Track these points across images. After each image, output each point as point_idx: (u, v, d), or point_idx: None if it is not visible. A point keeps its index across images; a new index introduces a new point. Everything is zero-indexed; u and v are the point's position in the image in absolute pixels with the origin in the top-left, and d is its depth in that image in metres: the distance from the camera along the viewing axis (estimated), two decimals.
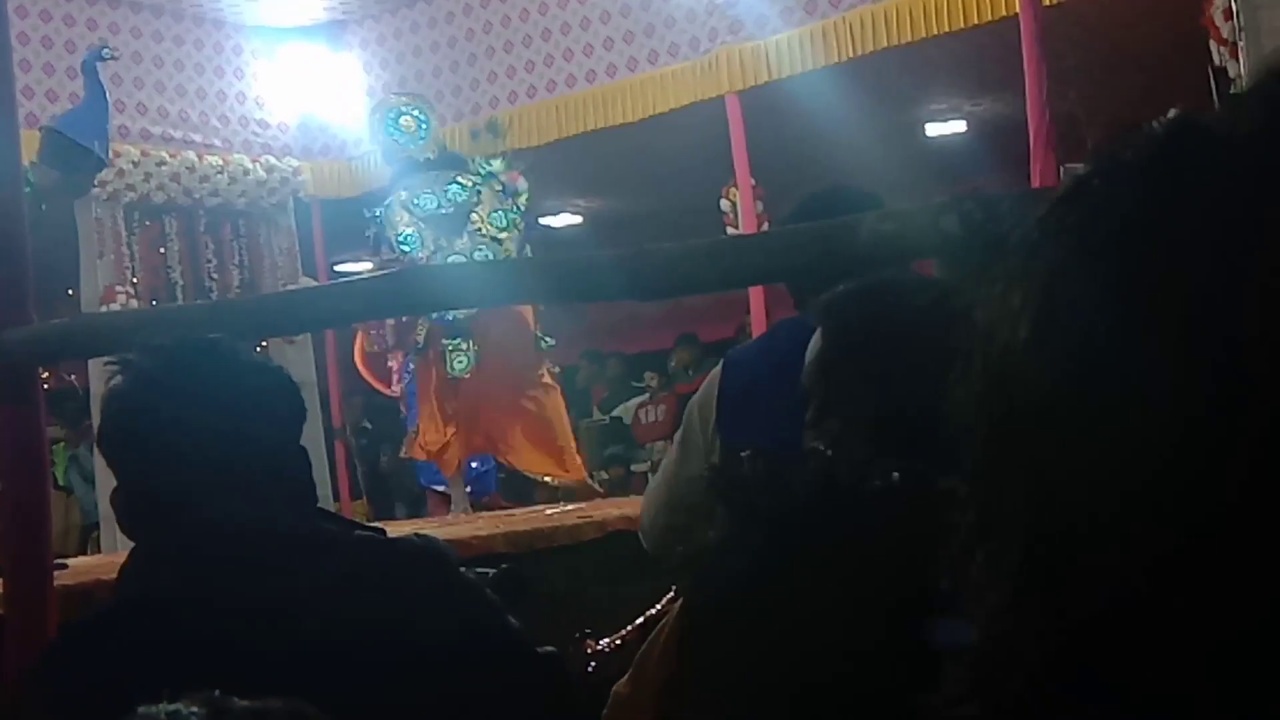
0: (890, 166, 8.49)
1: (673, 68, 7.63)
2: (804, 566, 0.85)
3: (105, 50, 5.76)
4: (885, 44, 6.88)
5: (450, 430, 6.66)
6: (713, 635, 0.90)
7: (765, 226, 7.21)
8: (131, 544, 1.72)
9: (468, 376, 6.61)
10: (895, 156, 8.70)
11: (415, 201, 6.63)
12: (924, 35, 6.76)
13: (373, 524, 1.81)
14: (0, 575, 2.46)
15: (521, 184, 6.82)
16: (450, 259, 6.44)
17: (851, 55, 6.99)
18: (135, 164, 7.97)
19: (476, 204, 6.67)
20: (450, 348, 6.59)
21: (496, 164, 6.84)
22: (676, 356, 10.25)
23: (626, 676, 1.61)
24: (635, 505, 4.91)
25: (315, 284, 8.70)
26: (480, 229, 6.60)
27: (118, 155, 7.84)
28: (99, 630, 1.70)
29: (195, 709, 0.66)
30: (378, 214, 6.75)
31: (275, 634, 1.56)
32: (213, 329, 2.01)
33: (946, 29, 6.69)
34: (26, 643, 2.28)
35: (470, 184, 6.71)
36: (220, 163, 8.41)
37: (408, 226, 6.59)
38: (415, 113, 6.96)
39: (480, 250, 6.54)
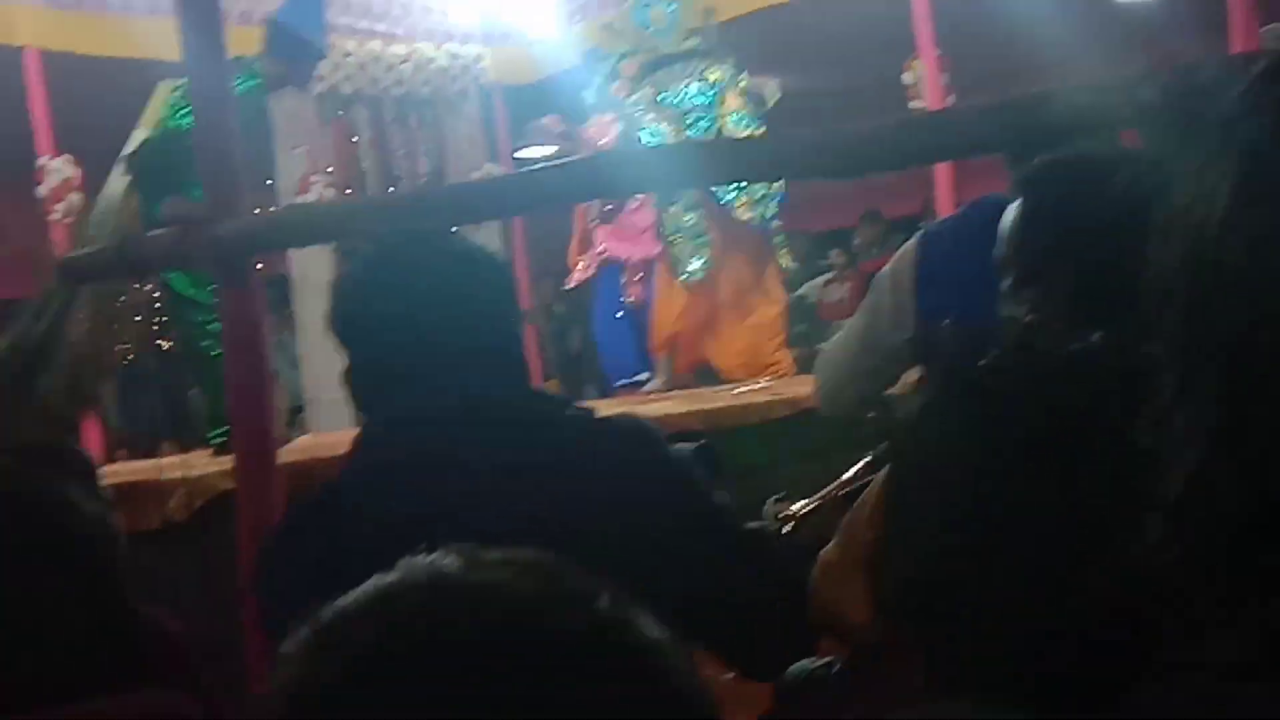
0: (1080, 32, 8.21)
1: None
2: (1007, 430, 0.88)
3: None
4: None
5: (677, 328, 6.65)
6: (919, 498, 0.94)
7: (950, 99, 7.08)
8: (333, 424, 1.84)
9: (701, 278, 6.60)
10: (1085, 21, 8.41)
11: (662, 97, 6.57)
12: None
13: (584, 404, 1.91)
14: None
15: (770, 88, 6.70)
16: None
17: None
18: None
19: (720, 102, 6.56)
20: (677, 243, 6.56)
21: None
22: (861, 233, 10.16)
23: (833, 542, 1.67)
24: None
25: (500, 171, 8.86)
26: (721, 130, 6.50)
27: None
28: (329, 501, 1.83)
29: (451, 558, 0.74)
30: (622, 107, 6.64)
31: (494, 503, 1.66)
32: (411, 218, 2.12)
33: None
34: (258, 516, 2.44)
35: (718, 79, 6.60)
36: (404, 51, 8.55)
37: (654, 123, 6.52)
38: (663, 3, 6.79)
39: None
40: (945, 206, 6.79)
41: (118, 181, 5.36)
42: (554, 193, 2.33)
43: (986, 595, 0.87)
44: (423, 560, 0.75)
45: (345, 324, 1.84)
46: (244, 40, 7.70)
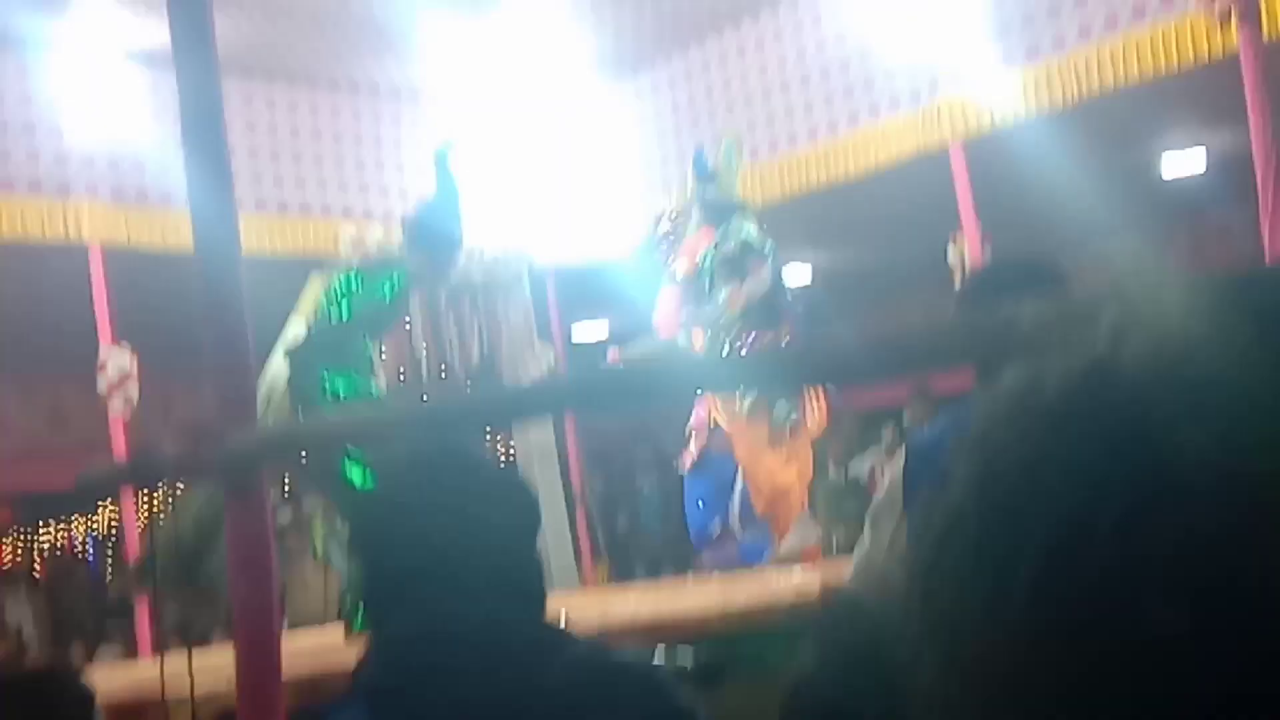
0: (1123, 207, 8.24)
1: (894, 119, 7.60)
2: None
3: (451, 144, 6.24)
4: (1111, 84, 6.71)
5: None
6: None
7: None
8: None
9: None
10: (1128, 196, 8.45)
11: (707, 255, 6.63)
12: (1151, 74, 6.57)
13: (596, 641, 1.86)
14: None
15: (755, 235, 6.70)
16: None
17: (1076, 97, 6.83)
18: (380, 243, 8.34)
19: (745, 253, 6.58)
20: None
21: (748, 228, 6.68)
22: (911, 411, 10.10)
23: None
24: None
25: (549, 350, 8.94)
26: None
27: (363, 235, 8.25)
28: None
29: None
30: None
31: None
32: (433, 428, 2.11)
33: (1175, 66, 6.49)
34: None
35: (747, 237, 6.61)
36: None
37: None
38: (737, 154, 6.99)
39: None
40: None
41: (279, 368, 5.56)
42: (586, 401, 2.33)
43: None
44: None
45: (360, 535, 1.84)
46: (296, 230, 7.97)
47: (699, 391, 5.73)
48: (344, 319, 5.56)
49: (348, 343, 5.62)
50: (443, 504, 1.78)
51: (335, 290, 5.60)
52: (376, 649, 1.81)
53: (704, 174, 6.85)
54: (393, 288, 5.69)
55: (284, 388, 5.48)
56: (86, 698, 2.27)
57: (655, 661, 3.54)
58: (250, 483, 2.60)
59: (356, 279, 5.65)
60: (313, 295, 5.71)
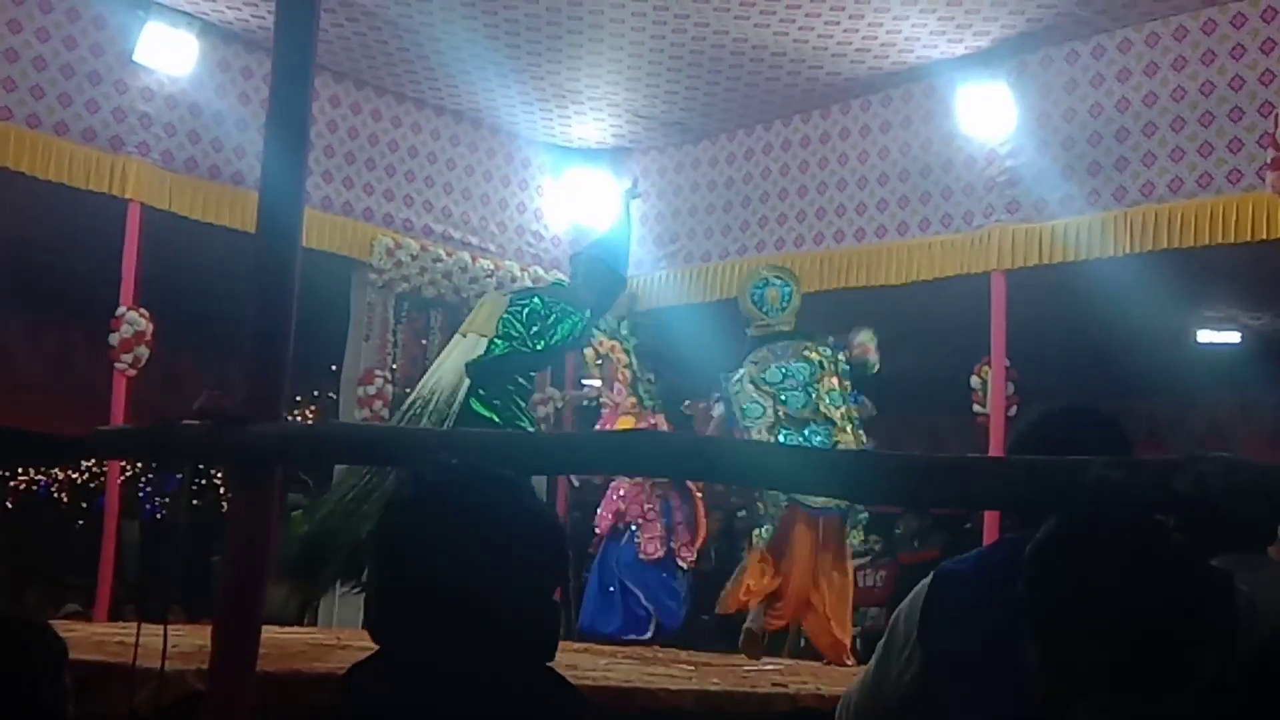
0: (1154, 366, 8.24)
1: (943, 238, 7.61)
2: None
3: (636, 189, 6.65)
4: (1167, 245, 6.72)
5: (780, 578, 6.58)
6: None
7: (1013, 411, 7.08)
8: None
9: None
10: (1161, 357, 8.45)
11: (763, 375, 6.69)
12: (1208, 242, 6.59)
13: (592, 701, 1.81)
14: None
15: (872, 357, 6.77)
16: (784, 435, 6.50)
17: (1129, 251, 6.85)
18: (414, 257, 8.36)
19: (817, 380, 6.67)
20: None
21: (863, 335, 6.79)
22: (904, 523, 10.07)
23: None
24: (833, 679, 4.83)
25: (563, 397, 8.91)
26: (819, 406, 6.60)
27: (398, 247, 8.28)
28: None
29: None
30: (725, 384, 6.77)
31: None
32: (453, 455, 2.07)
33: (1233, 239, 6.51)
34: None
35: (816, 359, 6.72)
36: (492, 266, 8.74)
37: (753, 399, 6.63)
38: (780, 285, 6.98)
39: (814, 427, 6.56)
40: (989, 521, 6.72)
41: (450, 376, 5.66)
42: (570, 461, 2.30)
43: None
44: None
45: (382, 547, 1.78)
46: (333, 228, 7.97)
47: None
48: (538, 347, 5.72)
49: (531, 369, 5.94)
50: (474, 524, 1.71)
51: (529, 317, 5.74)
52: (380, 666, 1.75)
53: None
54: (582, 327, 5.90)
55: (449, 395, 5.58)
56: (58, 652, 2.20)
57: None
58: (263, 473, 2.57)
59: (547, 310, 5.78)
60: (489, 314, 5.84)
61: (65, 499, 13.69)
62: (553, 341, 5.73)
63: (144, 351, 7.13)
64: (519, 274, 8.84)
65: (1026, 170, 7.28)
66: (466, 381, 5.57)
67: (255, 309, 2.65)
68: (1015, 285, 7.27)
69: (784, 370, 6.68)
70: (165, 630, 2.59)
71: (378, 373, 8.23)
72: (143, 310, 7.14)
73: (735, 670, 5.36)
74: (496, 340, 5.67)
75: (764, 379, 6.67)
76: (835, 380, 6.68)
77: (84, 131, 7.05)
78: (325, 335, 7.81)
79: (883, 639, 2.42)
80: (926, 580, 2.32)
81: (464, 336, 5.81)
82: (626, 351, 7.60)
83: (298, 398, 11.65)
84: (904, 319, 8.56)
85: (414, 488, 1.79)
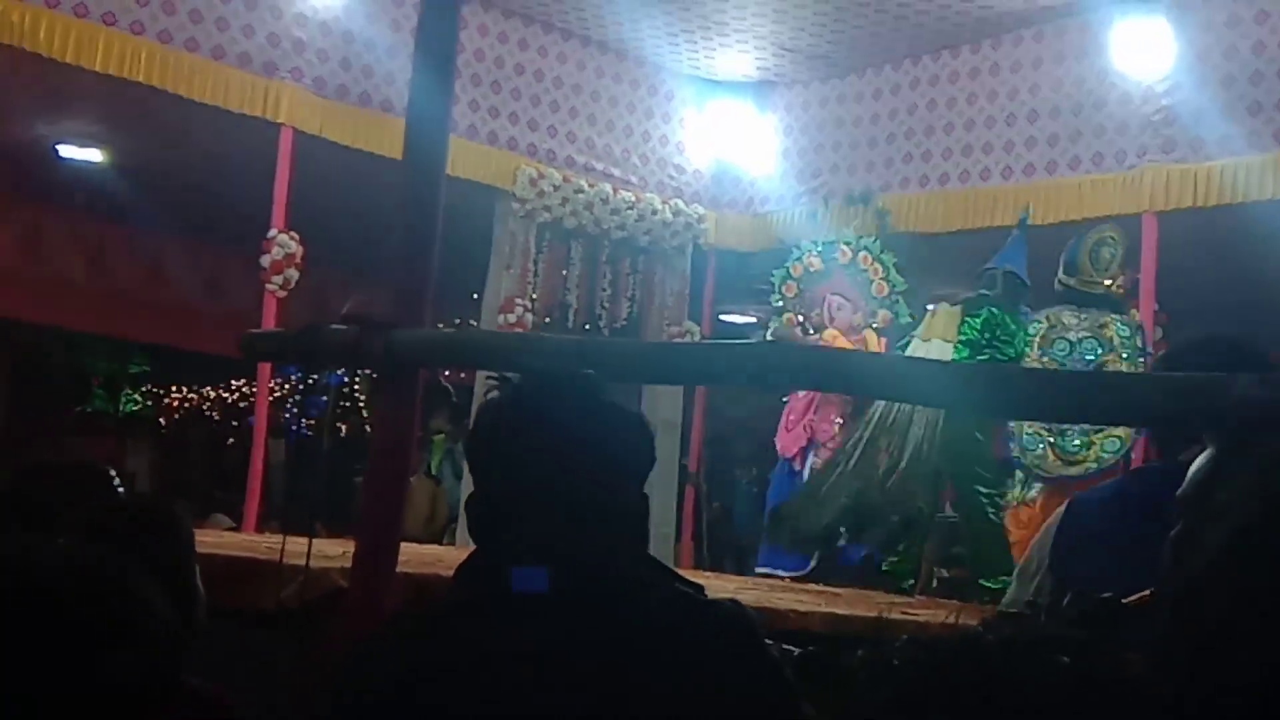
0: None
1: (1093, 177, 7.43)
2: None
3: (1031, 210, 7.23)
4: None
5: None
6: None
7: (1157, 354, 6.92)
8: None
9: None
10: None
11: (1050, 346, 6.78)
12: None
13: (694, 580, 1.85)
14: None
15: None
16: None
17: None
18: (556, 188, 8.41)
19: (1100, 366, 6.61)
20: None
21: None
22: None
23: None
24: (969, 615, 4.78)
25: (698, 331, 8.95)
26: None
27: (541, 177, 8.34)
28: (420, 627, 1.82)
29: None
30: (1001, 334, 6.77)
31: (576, 669, 1.63)
32: (588, 365, 2.11)
33: None
34: (362, 620, 2.46)
35: (1110, 337, 6.75)
36: (632, 199, 8.76)
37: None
38: (1113, 247, 6.96)
39: None
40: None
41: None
42: (717, 372, 2.32)
43: None
44: None
45: (476, 453, 1.85)
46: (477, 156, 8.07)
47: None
48: (1008, 358, 6.34)
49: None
50: (563, 424, 1.78)
51: (999, 328, 6.48)
52: (480, 564, 1.81)
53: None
54: (1028, 343, 6.64)
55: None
56: (189, 533, 2.34)
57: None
58: (406, 376, 2.64)
59: (1006, 324, 6.53)
60: (947, 321, 6.55)
61: (217, 417, 14.14)
62: (1013, 355, 6.42)
63: (294, 274, 7.30)
64: (659, 207, 8.85)
65: (1183, 109, 7.06)
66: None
67: (401, 229, 2.72)
68: (1166, 228, 7.08)
69: (1070, 346, 6.78)
70: (310, 535, 2.68)
71: (518, 301, 8.32)
72: (293, 233, 7.31)
73: (868, 600, 5.36)
74: (969, 350, 6.35)
75: (1050, 352, 6.78)
76: (1120, 366, 6.63)
77: (240, 56, 7.21)
78: (468, 264, 7.92)
79: (1017, 567, 2.42)
80: (1061, 508, 2.30)
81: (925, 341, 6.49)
82: (885, 266, 7.75)
83: (439, 324, 11.84)
84: (1049, 261, 8.41)
85: (503, 391, 1.84)
